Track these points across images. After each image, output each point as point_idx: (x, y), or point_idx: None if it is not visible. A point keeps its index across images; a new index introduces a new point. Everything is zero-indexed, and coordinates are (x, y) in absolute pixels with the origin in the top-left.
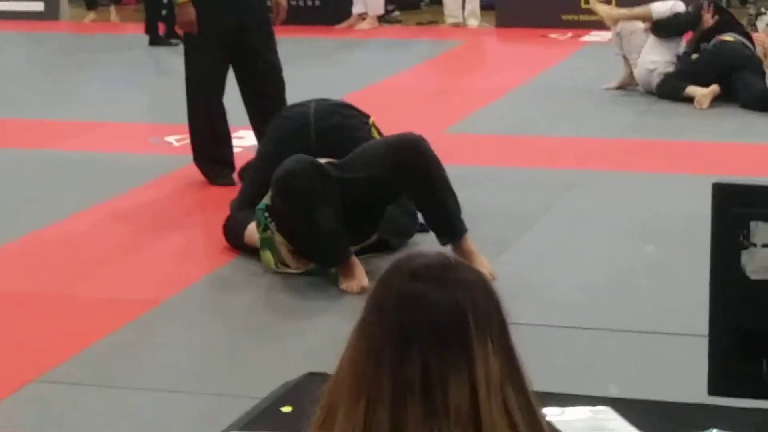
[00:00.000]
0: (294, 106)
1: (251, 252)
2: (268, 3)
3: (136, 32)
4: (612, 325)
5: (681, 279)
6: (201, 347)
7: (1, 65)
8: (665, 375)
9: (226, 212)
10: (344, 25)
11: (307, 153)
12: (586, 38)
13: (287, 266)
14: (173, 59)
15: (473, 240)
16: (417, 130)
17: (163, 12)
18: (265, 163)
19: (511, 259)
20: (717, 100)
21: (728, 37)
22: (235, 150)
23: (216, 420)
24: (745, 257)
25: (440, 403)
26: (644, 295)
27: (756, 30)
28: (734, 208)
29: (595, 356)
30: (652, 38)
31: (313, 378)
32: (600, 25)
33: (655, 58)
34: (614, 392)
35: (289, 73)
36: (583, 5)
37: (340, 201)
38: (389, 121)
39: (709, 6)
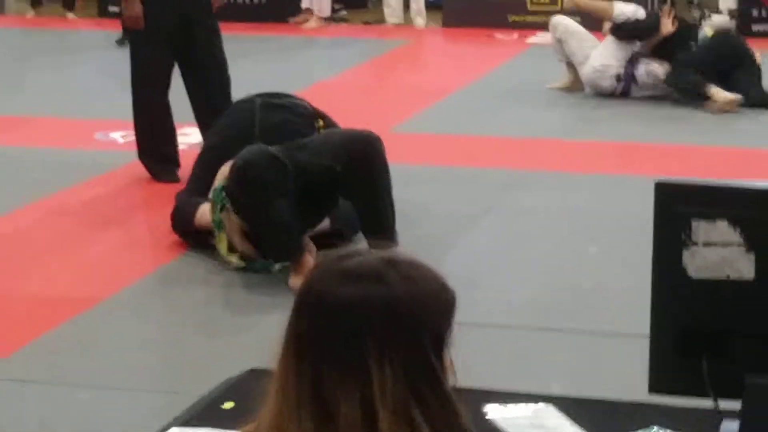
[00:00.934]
0: (241, 100)
1: (199, 245)
2: None
3: (85, 27)
4: (554, 324)
5: (623, 279)
6: (145, 343)
7: None
8: (607, 374)
9: (172, 208)
10: (296, 19)
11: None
12: (532, 39)
13: (235, 253)
14: (119, 55)
15: (416, 238)
16: (363, 128)
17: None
18: (209, 155)
19: (454, 258)
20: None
21: (711, 30)
22: (180, 147)
23: (159, 416)
24: (687, 256)
25: (331, 419)
26: (586, 295)
27: None
28: (676, 206)
29: (537, 355)
30: (608, 40)
31: (256, 374)
32: (546, 27)
33: (608, 61)
34: (556, 390)
35: (236, 70)
36: (529, 6)
37: (297, 185)
38: (336, 119)
39: (670, 12)
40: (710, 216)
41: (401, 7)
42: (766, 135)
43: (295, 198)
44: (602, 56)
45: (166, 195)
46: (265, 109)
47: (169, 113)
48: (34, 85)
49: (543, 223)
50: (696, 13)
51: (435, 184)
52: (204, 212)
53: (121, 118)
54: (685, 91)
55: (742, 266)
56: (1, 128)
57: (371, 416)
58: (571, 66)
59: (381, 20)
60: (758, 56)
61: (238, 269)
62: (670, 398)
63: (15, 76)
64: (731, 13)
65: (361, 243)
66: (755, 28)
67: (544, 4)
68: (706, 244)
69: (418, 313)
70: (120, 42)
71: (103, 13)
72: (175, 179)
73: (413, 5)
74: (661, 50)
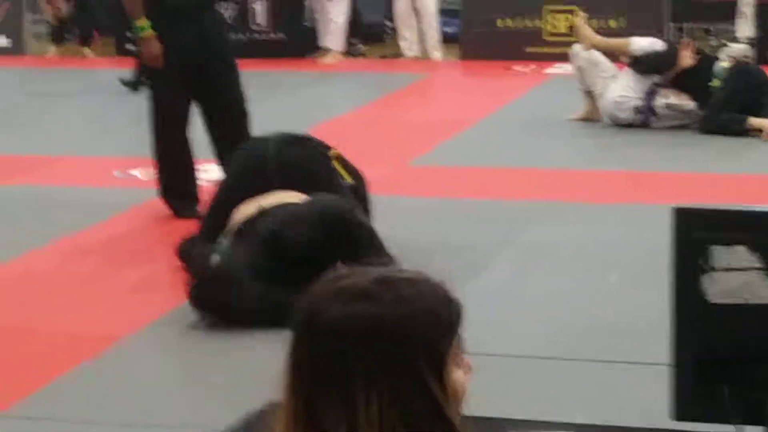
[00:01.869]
0: (254, 140)
1: None
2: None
3: (103, 66)
4: (574, 354)
5: (644, 308)
6: (166, 380)
7: None
8: (628, 402)
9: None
10: (315, 56)
11: (266, 187)
12: (549, 70)
13: None
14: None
15: (434, 271)
16: (381, 162)
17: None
18: (225, 196)
19: (475, 289)
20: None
21: (726, 62)
22: (200, 183)
23: None
24: (706, 282)
25: None
26: (607, 324)
27: None
28: (695, 232)
29: (558, 385)
30: (626, 72)
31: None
32: (563, 58)
33: (626, 93)
34: (579, 419)
35: (254, 107)
36: (546, 38)
37: (282, 264)
38: (354, 153)
39: (689, 45)
40: (729, 241)
41: (417, 41)
42: None
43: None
44: (621, 88)
45: (187, 231)
46: (278, 146)
47: (188, 150)
48: (53, 124)
49: (563, 253)
50: (714, 42)
51: (454, 216)
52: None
53: (141, 155)
54: (725, 131)
55: (762, 291)
56: (21, 167)
57: None
58: (590, 95)
59: (398, 54)
60: None
61: None
62: (693, 425)
63: (35, 114)
64: (750, 41)
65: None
66: None
67: (560, 35)
68: (726, 270)
69: (409, 335)
70: (128, 83)
71: (120, 51)
72: (196, 215)
73: (429, 39)
74: (681, 82)
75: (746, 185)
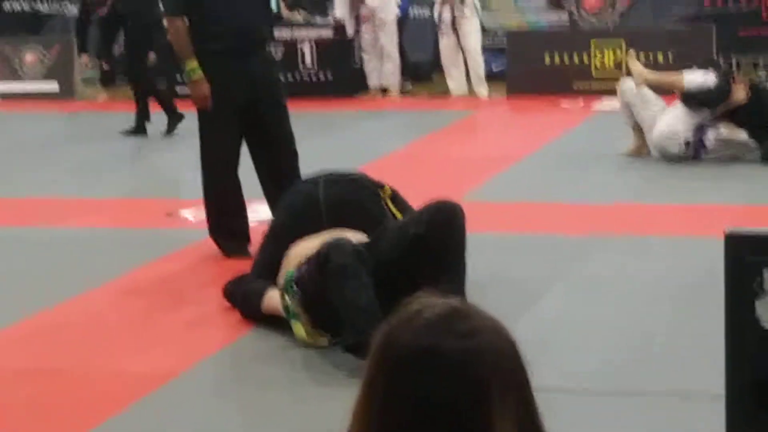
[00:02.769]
0: (304, 180)
1: (267, 322)
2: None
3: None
4: (628, 388)
5: (697, 339)
6: (216, 422)
7: (14, 144)
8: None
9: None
10: (365, 97)
11: (317, 227)
12: (597, 106)
13: (316, 332)
14: (187, 133)
15: (488, 305)
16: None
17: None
18: (275, 236)
19: (528, 324)
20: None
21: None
22: (251, 223)
23: None
24: (760, 306)
25: None
26: (659, 357)
27: None
28: (747, 256)
29: (611, 419)
30: (677, 106)
31: None
32: (611, 93)
33: (676, 127)
34: None
35: (305, 145)
36: (594, 73)
37: (377, 276)
38: (407, 190)
39: (742, 80)
40: None
41: (464, 78)
42: None
43: (374, 288)
44: (671, 122)
45: (238, 271)
46: (328, 185)
47: (239, 190)
48: (105, 168)
49: (615, 287)
50: (762, 74)
51: (507, 251)
52: (272, 299)
53: (191, 197)
54: None
55: None
56: (75, 211)
57: None
58: (639, 130)
59: (445, 92)
60: None
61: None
62: None
63: (87, 159)
64: None
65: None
66: None
67: (608, 70)
68: None
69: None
70: (130, 131)
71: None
72: (247, 255)
73: (474, 76)
74: (734, 116)
75: None
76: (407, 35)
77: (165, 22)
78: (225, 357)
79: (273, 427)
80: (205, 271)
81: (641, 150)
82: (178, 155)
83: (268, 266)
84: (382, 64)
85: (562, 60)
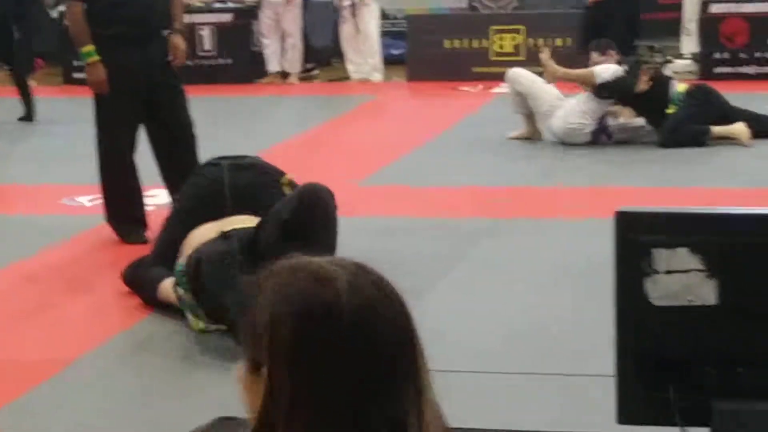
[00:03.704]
0: (208, 164)
1: (165, 307)
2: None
3: (50, 95)
4: (530, 368)
5: (597, 319)
6: (113, 404)
7: None
8: (577, 411)
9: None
10: (264, 81)
11: (221, 212)
12: (496, 90)
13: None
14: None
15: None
16: (333, 183)
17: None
18: (178, 219)
19: (425, 308)
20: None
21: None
22: (148, 208)
23: None
24: (649, 285)
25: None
26: (558, 338)
27: None
28: (637, 236)
29: (507, 397)
30: (585, 97)
31: (224, 422)
32: None
33: (584, 119)
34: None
35: (203, 131)
36: (492, 57)
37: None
38: (305, 176)
39: (647, 72)
40: (671, 244)
41: (364, 64)
42: (738, 173)
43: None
44: (578, 113)
45: (135, 256)
46: (233, 170)
47: (135, 175)
48: None
49: (514, 270)
50: (659, 58)
51: (405, 235)
52: (166, 289)
53: (88, 182)
54: (689, 143)
55: (705, 292)
56: None
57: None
58: (529, 117)
59: (346, 78)
60: None
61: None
62: (640, 429)
63: None
64: (694, 57)
65: None
66: (717, 70)
67: (506, 54)
68: (668, 272)
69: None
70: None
71: (68, 80)
72: (143, 240)
73: (370, 61)
74: (636, 104)
75: (699, 198)
76: (308, 19)
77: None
78: (121, 342)
79: (168, 412)
80: (102, 256)
81: (533, 135)
82: (72, 140)
83: (169, 249)
84: (284, 49)
85: (461, 45)
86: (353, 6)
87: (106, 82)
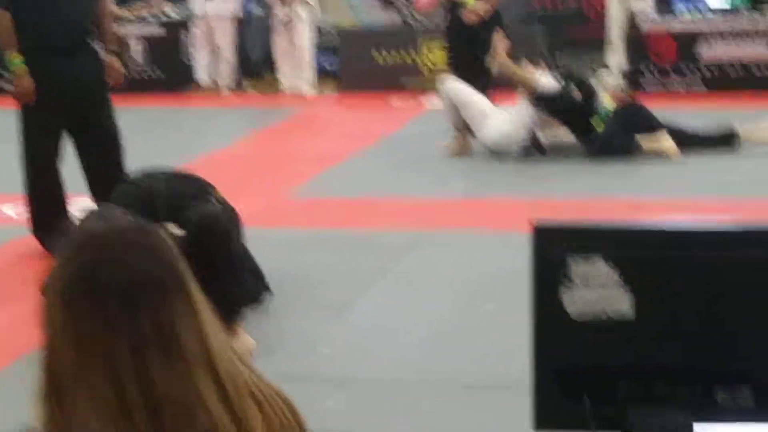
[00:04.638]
0: (141, 174)
1: None
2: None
3: None
4: (446, 379)
5: (518, 333)
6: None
7: None
8: (494, 419)
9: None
10: (195, 94)
11: (154, 221)
12: (426, 103)
13: None
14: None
15: (312, 301)
16: (260, 195)
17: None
18: None
19: (350, 319)
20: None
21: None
22: (73, 218)
23: None
24: (566, 297)
25: (176, 350)
26: (481, 350)
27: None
28: (554, 249)
29: (428, 411)
30: (521, 107)
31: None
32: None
33: (517, 128)
34: None
35: (132, 141)
36: (422, 70)
37: None
38: (233, 187)
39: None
40: (588, 257)
41: (295, 77)
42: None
43: None
44: (512, 122)
45: None
46: (167, 181)
47: (61, 186)
48: None
49: (438, 282)
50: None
51: (330, 247)
52: None
53: (12, 191)
54: (618, 153)
55: (621, 305)
56: None
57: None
58: (464, 129)
59: (278, 89)
60: None
61: None
62: None
63: None
64: (623, 73)
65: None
66: (646, 86)
67: (437, 67)
68: (585, 285)
69: None
70: None
71: None
72: None
73: (302, 74)
74: (564, 117)
75: (626, 209)
76: (244, 32)
77: None
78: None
79: None
80: (27, 268)
81: (465, 149)
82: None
83: None
84: (216, 61)
85: (392, 58)
86: (287, 20)
87: (32, 92)
